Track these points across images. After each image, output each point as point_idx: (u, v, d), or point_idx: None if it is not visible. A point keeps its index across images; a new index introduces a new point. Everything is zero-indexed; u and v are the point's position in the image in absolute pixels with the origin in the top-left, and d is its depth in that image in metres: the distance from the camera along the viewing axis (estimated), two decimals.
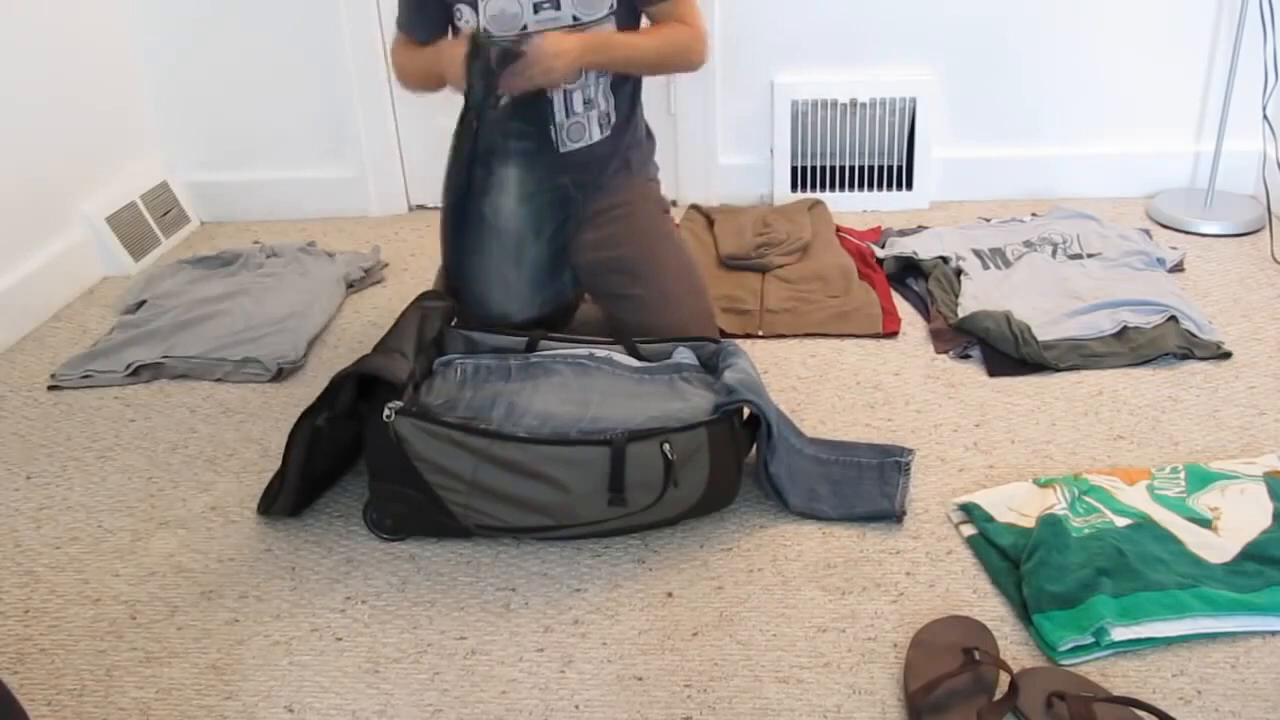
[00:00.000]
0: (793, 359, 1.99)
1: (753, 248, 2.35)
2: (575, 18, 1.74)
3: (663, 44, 1.81)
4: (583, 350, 1.69)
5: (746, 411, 1.57)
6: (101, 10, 2.57)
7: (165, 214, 2.73)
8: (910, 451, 1.64)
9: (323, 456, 1.57)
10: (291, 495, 1.57)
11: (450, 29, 1.84)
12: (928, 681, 1.21)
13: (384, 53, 2.69)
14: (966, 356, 1.97)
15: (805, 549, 1.48)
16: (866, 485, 1.58)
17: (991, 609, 1.36)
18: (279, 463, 1.73)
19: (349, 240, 2.67)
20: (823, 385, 1.89)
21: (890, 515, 1.53)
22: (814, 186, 2.71)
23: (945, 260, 2.25)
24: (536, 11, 1.73)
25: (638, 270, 1.85)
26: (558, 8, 1.73)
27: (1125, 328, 1.96)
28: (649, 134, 1.99)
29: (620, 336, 1.73)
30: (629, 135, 1.91)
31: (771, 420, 1.52)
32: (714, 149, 2.72)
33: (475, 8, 1.75)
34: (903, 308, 2.16)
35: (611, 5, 1.77)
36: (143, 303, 2.32)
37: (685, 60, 1.83)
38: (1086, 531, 1.41)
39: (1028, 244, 2.31)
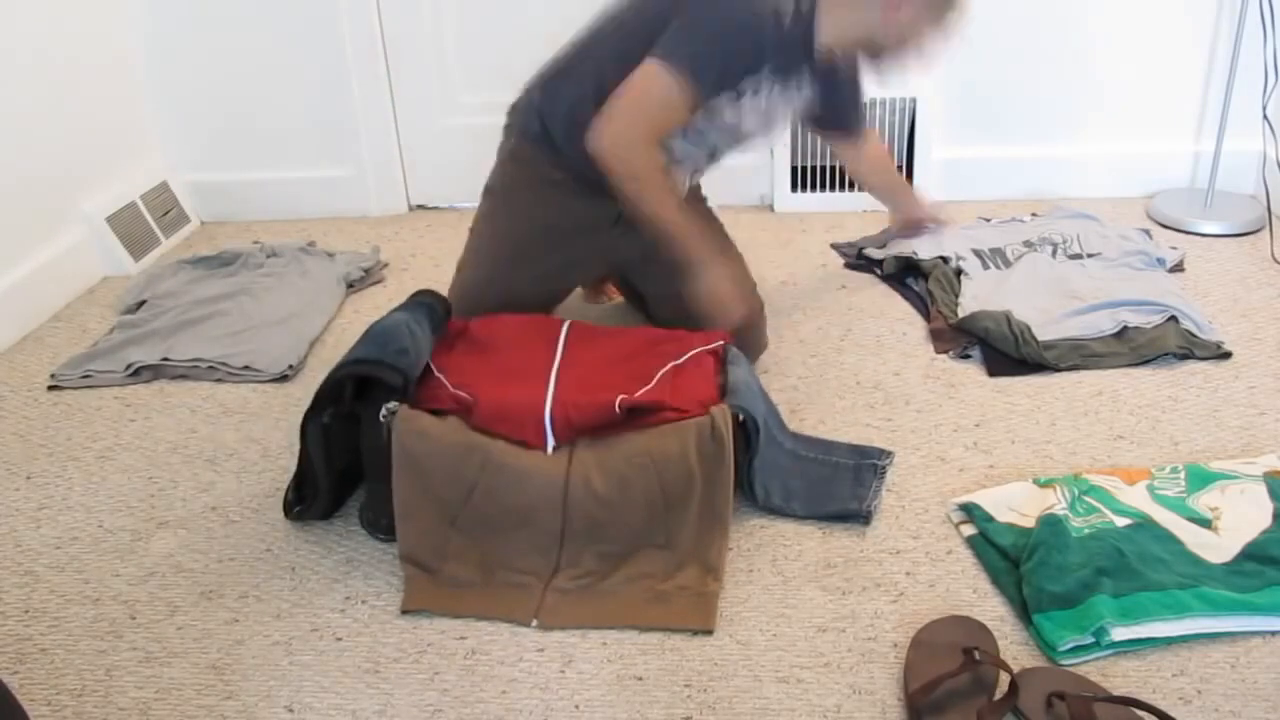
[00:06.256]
0: (793, 359, 1.99)
1: None
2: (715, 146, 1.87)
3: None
4: None
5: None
6: (101, 10, 2.57)
7: (165, 214, 2.73)
8: (889, 455, 1.64)
9: (341, 454, 1.56)
10: (326, 498, 1.56)
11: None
12: (928, 681, 1.20)
13: (384, 52, 2.70)
14: (966, 356, 1.97)
15: (805, 549, 1.48)
16: (839, 485, 1.58)
17: (991, 609, 1.36)
18: (280, 463, 1.74)
19: (349, 240, 2.67)
20: (823, 385, 1.89)
21: (857, 516, 1.52)
22: (814, 186, 2.71)
23: (945, 260, 2.25)
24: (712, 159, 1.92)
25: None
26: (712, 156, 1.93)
27: (1125, 328, 1.96)
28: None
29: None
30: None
31: (760, 427, 1.52)
32: None
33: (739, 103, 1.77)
34: (903, 308, 2.16)
35: None
36: (143, 303, 2.32)
37: None
38: (1086, 531, 1.41)
39: (1028, 244, 2.31)
